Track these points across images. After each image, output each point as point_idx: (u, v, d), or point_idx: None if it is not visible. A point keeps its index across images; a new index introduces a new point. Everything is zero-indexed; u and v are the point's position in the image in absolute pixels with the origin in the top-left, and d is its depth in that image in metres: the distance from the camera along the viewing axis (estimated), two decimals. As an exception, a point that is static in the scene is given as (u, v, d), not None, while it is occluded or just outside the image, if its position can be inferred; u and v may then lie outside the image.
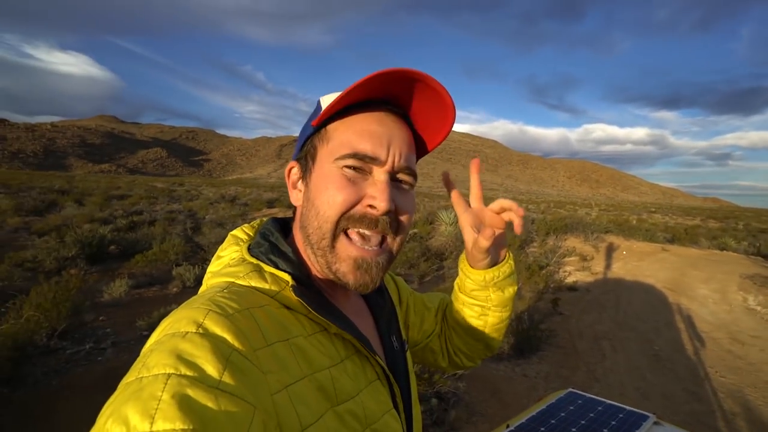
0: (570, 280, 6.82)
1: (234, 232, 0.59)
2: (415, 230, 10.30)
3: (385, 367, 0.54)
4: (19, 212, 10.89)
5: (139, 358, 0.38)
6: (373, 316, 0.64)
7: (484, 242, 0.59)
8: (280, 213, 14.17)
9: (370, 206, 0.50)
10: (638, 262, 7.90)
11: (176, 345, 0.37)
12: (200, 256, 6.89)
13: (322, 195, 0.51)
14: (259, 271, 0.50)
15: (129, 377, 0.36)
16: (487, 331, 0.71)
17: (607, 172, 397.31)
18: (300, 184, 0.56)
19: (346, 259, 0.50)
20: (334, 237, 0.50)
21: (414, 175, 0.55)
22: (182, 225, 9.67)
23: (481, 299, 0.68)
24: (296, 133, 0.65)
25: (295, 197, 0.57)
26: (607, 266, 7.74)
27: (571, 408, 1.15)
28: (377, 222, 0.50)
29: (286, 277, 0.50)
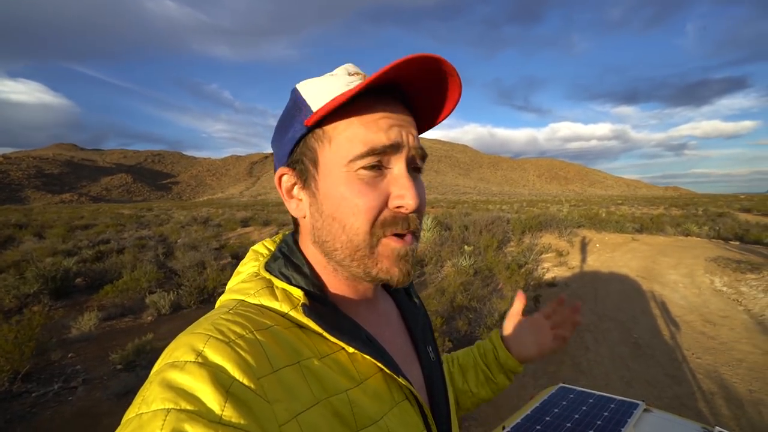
0: (548, 276, 6.98)
1: (255, 246, 0.56)
2: (395, 238, 10.28)
3: (412, 388, 0.49)
4: (-28, 250, 10.17)
5: (140, 391, 0.36)
6: (407, 325, 0.60)
7: (556, 348, 0.76)
8: (255, 231, 13.85)
9: (399, 206, 0.46)
10: (611, 254, 8.19)
11: (174, 377, 0.35)
12: (175, 281, 6.62)
13: (341, 207, 0.46)
14: (271, 288, 0.47)
15: (130, 413, 0.34)
16: (472, 399, 0.79)
17: (574, 168, 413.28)
18: (300, 193, 0.50)
19: (389, 254, 0.47)
20: (371, 246, 0.47)
21: (425, 156, 0.51)
22: (153, 251, 9.29)
23: (492, 375, 0.78)
24: (268, 150, 0.59)
25: (296, 208, 0.51)
26: (583, 260, 7.98)
27: (564, 403, 1.16)
28: (408, 221, 0.47)
29: (298, 293, 0.46)
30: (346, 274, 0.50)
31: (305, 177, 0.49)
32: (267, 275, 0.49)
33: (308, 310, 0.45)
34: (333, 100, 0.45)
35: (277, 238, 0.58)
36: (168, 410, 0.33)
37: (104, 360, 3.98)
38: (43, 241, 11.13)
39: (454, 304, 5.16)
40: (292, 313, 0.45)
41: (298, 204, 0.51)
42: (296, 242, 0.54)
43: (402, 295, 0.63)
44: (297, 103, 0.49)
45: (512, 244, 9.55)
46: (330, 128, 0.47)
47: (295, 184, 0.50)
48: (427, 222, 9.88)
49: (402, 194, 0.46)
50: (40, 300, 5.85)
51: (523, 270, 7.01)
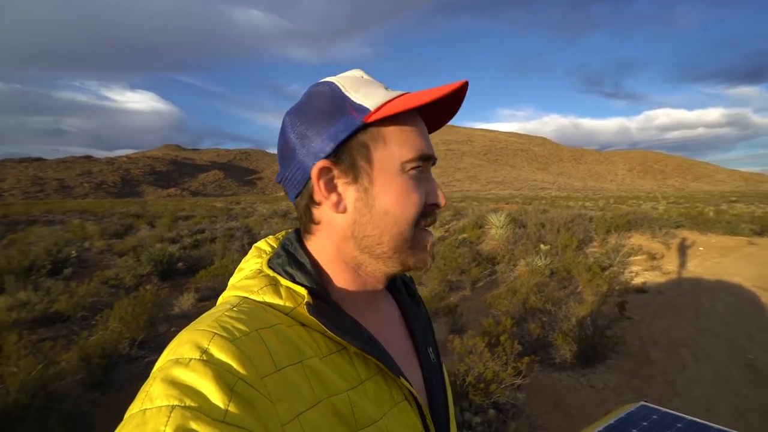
0: (638, 281, 6.27)
1: (258, 243, 0.57)
2: (465, 235, 10.06)
3: (412, 389, 0.50)
4: (104, 236, 12.24)
5: (143, 386, 0.36)
6: (408, 326, 0.60)
7: None
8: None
9: (433, 203, 0.53)
10: (719, 259, 7.08)
11: (179, 373, 0.35)
12: (257, 269, 7.26)
13: (398, 201, 0.49)
14: (275, 285, 0.48)
15: (133, 408, 0.35)
16: None
17: (673, 161, 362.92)
18: (343, 188, 0.50)
19: (424, 244, 0.53)
20: (413, 237, 0.51)
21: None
22: (240, 241, 10.27)
23: None
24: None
25: (336, 203, 0.50)
26: (681, 264, 7.02)
27: (645, 424, 1.03)
28: (436, 215, 0.55)
29: (302, 291, 0.47)
30: (372, 269, 0.52)
31: (356, 173, 0.49)
32: (271, 272, 0.49)
33: (313, 308, 0.45)
34: (398, 102, 0.48)
35: (280, 236, 0.58)
36: (172, 407, 0.33)
37: (199, 335, 4.54)
38: (154, 230, 12.95)
39: (527, 305, 4.90)
40: (296, 312, 0.46)
41: (338, 199, 0.50)
42: (300, 240, 0.54)
43: (404, 296, 0.63)
44: (342, 98, 0.49)
45: (595, 244, 8.75)
46: (384, 129, 0.50)
47: (334, 178, 0.50)
48: (501, 219, 9.46)
49: (437, 194, 0.53)
50: (151, 280, 6.84)
51: (606, 273, 6.38)
